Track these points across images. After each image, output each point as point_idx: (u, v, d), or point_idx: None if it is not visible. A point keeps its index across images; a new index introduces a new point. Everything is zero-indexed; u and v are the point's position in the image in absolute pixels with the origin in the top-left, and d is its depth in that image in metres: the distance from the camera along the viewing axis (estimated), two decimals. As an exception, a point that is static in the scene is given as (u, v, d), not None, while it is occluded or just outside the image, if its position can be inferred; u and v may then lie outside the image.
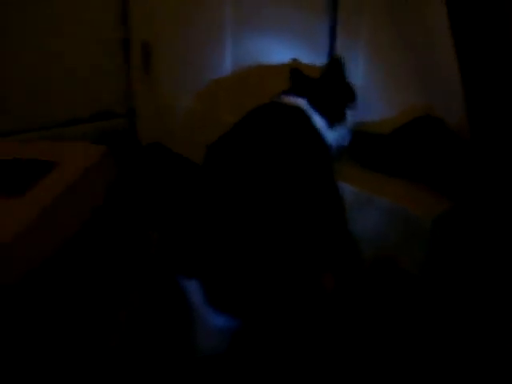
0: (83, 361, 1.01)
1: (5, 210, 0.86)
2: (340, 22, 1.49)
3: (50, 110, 2.04)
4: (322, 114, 1.33)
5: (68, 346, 0.97)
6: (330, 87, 1.39)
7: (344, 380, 1.10)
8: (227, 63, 1.84)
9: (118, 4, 2.13)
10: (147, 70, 2.18)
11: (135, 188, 1.38)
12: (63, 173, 1.00)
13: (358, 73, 1.47)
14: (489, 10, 1.01)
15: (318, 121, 1.32)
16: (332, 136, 1.34)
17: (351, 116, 1.40)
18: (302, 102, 1.32)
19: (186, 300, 1.10)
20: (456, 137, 1.23)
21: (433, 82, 1.27)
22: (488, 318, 1.10)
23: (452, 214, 1.22)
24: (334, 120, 1.34)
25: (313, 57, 1.51)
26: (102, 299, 1.11)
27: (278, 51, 1.62)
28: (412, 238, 1.23)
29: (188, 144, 1.97)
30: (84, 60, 2.08)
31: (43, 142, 1.28)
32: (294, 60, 1.46)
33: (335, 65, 1.42)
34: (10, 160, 1.04)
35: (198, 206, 1.19)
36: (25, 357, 0.85)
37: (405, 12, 1.29)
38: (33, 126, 1.93)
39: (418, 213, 1.21)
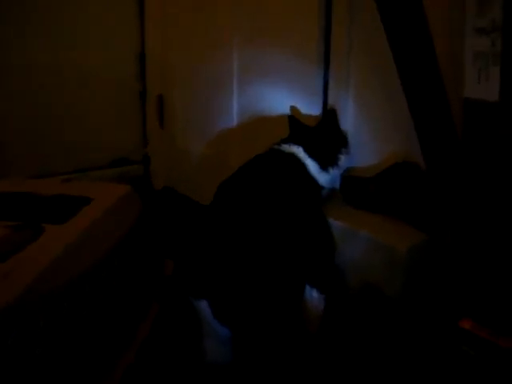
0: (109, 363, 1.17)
1: (52, 233, 1.06)
2: (331, 76, 1.61)
3: (72, 158, 2.14)
4: (315, 159, 1.48)
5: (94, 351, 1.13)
6: (323, 135, 1.53)
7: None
8: (234, 111, 1.94)
9: (137, 62, 2.30)
10: (161, 120, 2.32)
11: (152, 224, 1.55)
12: (97, 206, 1.18)
13: (347, 123, 1.59)
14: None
15: (311, 166, 1.47)
16: (324, 178, 1.49)
17: (344, 160, 1.53)
18: (297, 150, 1.48)
19: (197, 316, 1.28)
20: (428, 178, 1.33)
21: (410, 132, 1.31)
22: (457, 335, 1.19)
23: (425, 244, 1.34)
24: (326, 164, 1.49)
25: (308, 106, 1.64)
26: (126, 313, 1.27)
27: (278, 100, 1.72)
28: (390, 265, 1.34)
29: (198, 188, 2.07)
30: (105, 112, 2.22)
31: (79, 182, 1.48)
32: (292, 107, 1.62)
33: (329, 115, 1.57)
34: (54, 195, 1.22)
35: (205, 240, 1.37)
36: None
37: (385, 70, 1.37)
38: (58, 171, 2.04)
39: (394, 243, 1.34)
